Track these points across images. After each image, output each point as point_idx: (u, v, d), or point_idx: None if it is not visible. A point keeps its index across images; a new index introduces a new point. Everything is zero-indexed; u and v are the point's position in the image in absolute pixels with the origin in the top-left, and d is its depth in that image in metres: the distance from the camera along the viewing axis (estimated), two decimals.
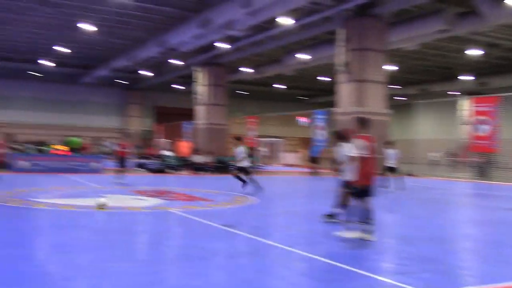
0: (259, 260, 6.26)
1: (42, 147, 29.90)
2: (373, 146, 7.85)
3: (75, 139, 31.20)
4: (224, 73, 38.88)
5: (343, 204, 8.67)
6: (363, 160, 7.64)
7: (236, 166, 14.49)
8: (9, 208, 10.02)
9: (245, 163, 14.31)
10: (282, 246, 6.94)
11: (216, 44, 31.39)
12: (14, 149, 29.68)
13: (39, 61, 41.73)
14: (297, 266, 6.04)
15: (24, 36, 33.86)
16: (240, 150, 14.38)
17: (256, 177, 14.64)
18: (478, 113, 23.49)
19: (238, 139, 14.90)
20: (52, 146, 26.53)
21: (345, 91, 25.74)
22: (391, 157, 17.01)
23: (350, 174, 8.27)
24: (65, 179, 17.65)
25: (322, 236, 8.15)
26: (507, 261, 6.54)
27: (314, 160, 25.25)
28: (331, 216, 9.33)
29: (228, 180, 21.31)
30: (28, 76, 46.31)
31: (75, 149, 28.63)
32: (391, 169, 17.00)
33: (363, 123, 8.24)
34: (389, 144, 17.54)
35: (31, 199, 11.12)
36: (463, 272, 5.96)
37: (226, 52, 34.93)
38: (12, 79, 45.95)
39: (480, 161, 25.82)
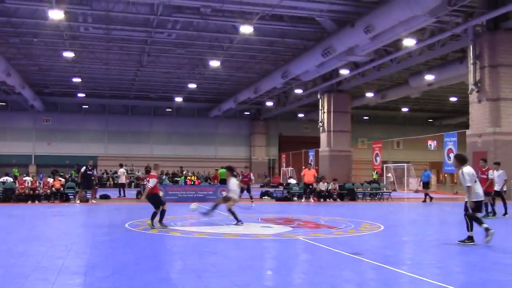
0: None
1: (176, 178, 31.82)
2: None
3: (222, 170, 32.78)
4: (347, 99, 38.62)
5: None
6: None
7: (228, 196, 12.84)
8: (149, 236, 10.78)
9: (236, 197, 12.69)
10: (413, 275, 6.64)
11: (339, 71, 31.43)
12: None
13: (173, 98, 44.94)
14: None
15: (159, 76, 36.79)
16: (233, 183, 12.79)
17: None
18: None
19: (230, 170, 13.12)
20: (187, 176, 28.14)
21: (478, 111, 24.24)
22: (498, 179, 15.48)
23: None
24: None
25: (455, 265, 7.70)
26: None
27: (425, 185, 23.97)
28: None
29: (354, 207, 20.94)
30: (163, 112, 50.05)
31: (223, 179, 29.84)
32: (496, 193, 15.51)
33: None
34: (497, 165, 16.01)
35: (168, 227, 11.86)
36: None
37: (348, 78, 34.80)
38: (149, 116, 49.92)
39: None
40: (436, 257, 8.55)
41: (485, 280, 6.53)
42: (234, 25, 23.93)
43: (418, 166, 42.07)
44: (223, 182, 28.59)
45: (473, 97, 24.37)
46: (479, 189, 9.62)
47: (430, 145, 39.32)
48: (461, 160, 9.84)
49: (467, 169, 9.57)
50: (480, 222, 9.39)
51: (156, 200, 12.14)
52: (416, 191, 34.05)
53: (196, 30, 25.24)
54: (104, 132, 48.74)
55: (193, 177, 30.51)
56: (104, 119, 48.69)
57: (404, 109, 51.62)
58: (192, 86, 38.61)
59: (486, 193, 14.82)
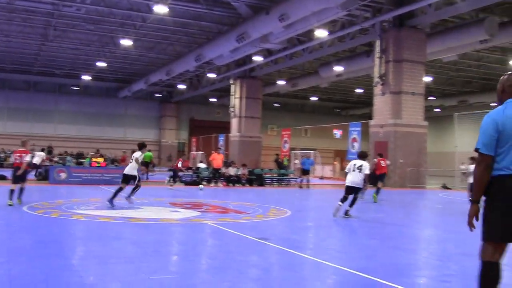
0: (294, 273, 6.19)
1: (81, 159, 30.53)
2: None
3: (148, 153, 31.46)
4: (259, 86, 39.07)
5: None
6: None
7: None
8: (49, 220, 10.25)
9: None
10: (317, 260, 6.84)
11: (252, 57, 31.63)
12: (53, 161, 30.45)
13: (80, 76, 42.94)
14: (333, 280, 5.94)
15: (66, 52, 34.94)
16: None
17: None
18: None
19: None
20: (92, 158, 27.02)
21: (381, 103, 25.50)
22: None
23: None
24: (102, 191, 17.97)
25: (357, 249, 8.04)
26: None
27: (305, 172, 24.97)
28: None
29: (262, 192, 21.28)
30: (68, 90, 47.70)
31: (148, 163, 28.89)
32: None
33: None
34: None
35: (70, 210, 11.35)
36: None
37: (261, 65, 35.13)
38: (54, 94, 47.36)
39: None
40: (339, 242, 8.90)
41: (384, 263, 6.87)
42: (147, 4, 23.23)
43: (324, 154, 43.65)
44: (146, 164, 28.18)
45: (377, 90, 25.58)
46: (352, 177, 11.71)
47: (335, 133, 40.82)
48: (359, 156, 12.40)
49: (351, 162, 12.15)
50: (342, 200, 11.56)
51: (25, 176, 12.36)
52: (322, 178, 35.31)
53: (107, 6, 24.21)
54: (3, 108, 45.54)
55: (99, 158, 29.39)
56: (3, 95, 45.46)
57: (313, 98, 53.14)
58: (101, 64, 37.11)
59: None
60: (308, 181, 24.69)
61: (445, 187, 26.55)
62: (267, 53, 30.65)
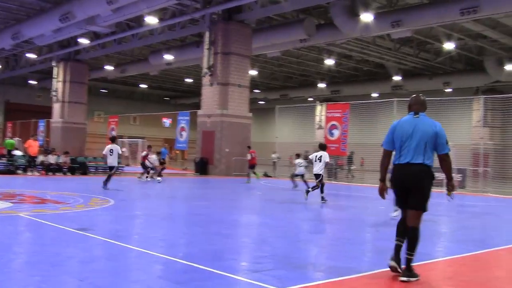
0: (115, 264, 6.06)
1: None
2: None
3: (10, 140, 27.74)
4: (85, 70, 37.32)
5: None
6: None
7: None
8: None
9: None
10: (139, 249, 6.79)
11: (78, 39, 29.99)
12: None
13: None
14: (154, 269, 5.94)
15: None
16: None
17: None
18: (330, 118, 25.12)
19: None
20: None
21: (209, 94, 26.10)
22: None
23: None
24: None
25: (179, 238, 8.16)
26: (353, 256, 7.07)
27: (161, 162, 25.06)
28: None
29: (85, 181, 20.36)
30: None
31: (10, 151, 25.62)
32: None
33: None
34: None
35: None
36: (314, 268, 6.33)
37: (88, 49, 33.51)
38: None
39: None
40: (162, 230, 8.92)
41: (204, 249, 7.07)
42: None
43: (153, 142, 43.18)
44: (9, 153, 25.24)
45: (206, 80, 26.13)
46: (315, 167, 13.80)
47: (164, 122, 40.74)
48: (319, 147, 14.34)
49: (313, 154, 14.14)
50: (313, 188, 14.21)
51: None
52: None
53: None
54: None
55: None
56: None
57: (143, 86, 52.28)
58: None
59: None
60: (162, 170, 24.13)
61: (266, 175, 28.19)
62: (94, 36, 29.31)
